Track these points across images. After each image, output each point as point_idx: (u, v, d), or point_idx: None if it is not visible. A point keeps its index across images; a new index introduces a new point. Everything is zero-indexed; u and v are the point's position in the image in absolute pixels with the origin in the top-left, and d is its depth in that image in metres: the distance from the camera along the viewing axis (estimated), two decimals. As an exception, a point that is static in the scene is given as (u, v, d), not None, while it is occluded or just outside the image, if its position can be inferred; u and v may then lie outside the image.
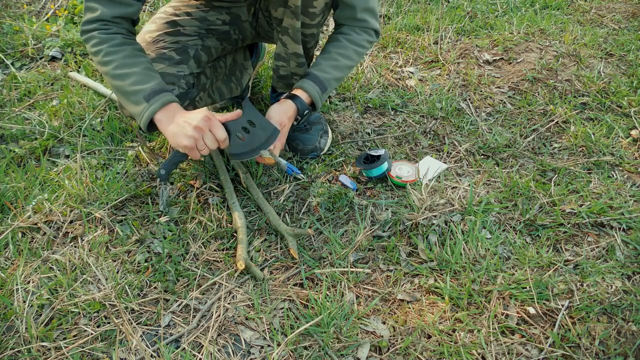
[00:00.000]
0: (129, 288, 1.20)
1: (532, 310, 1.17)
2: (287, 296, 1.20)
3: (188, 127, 1.24)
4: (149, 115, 1.27)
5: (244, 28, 1.60)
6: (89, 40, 1.31)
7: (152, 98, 1.27)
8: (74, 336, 1.10)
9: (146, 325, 1.14)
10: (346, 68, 1.48)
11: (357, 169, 1.57)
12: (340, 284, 1.23)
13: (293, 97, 1.43)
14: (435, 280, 1.24)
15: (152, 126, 1.32)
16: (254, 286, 1.23)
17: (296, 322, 1.14)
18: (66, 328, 1.12)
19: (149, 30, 1.49)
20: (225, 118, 1.32)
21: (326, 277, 1.25)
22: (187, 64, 1.47)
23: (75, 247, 1.30)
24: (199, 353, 1.08)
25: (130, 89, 1.28)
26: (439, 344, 1.10)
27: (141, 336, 1.11)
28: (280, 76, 1.55)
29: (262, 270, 1.27)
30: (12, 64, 2.12)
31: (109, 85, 1.36)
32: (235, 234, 1.35)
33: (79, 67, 2.10)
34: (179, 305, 1.18)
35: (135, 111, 1.29)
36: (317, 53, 1.57)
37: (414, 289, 1.23)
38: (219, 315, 1.16)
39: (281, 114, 1.39)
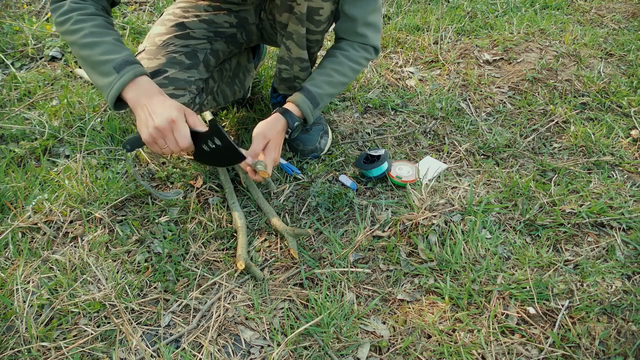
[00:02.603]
0: (129, 288, 1.21)
1: (532, 310, 1.17)
2: (287, 296, 1.20)
3: (150, 122, 1.16)
4: (118, 87, 1.17)
5: (250, 31, 1.60)
6: (59, 9, 1.22)
7: (123, 68, 1.18)
8: (74, 336, 1.10)
9: (146, 325, 1.14)
10: (340, 85, 1.46)
11: (357, 169, 1.57)
12: (340, 284, 1.23)
13: (284, 112, 1.41)
14: (435, 280, 1.24)
15: (120, 103, 1.22)
16: (254, 286, 1.23)
17: (296, 322, 1.14)
18: (66, 328, 1.12)
19: (158, 32, 1.46)
20: (194, 125, 1.21)
21: (326, 277, 1.25)
22: (197, 69, 1.45)
23: (75, 247, 1.30)
24: (199, 353, 1.08)
25: (100, 58, 1.18)
26: (439, 344, 1.10)
27: (141, 336, 1.11)
28: (282, 79, 1.55)
29: (262, 270, 1.27)
30: (12, 64, 2.12)
31: (75, 57, 1.25)
32: (235, 234, 1.35)
33: (79, 67, 2.10)
34: (179, 305, 1.18)
35: (103, 83, 1.19)
36: (320, 53, 1.56)
37: (414, 289, 1.23)
38: (219, 315, 1.16)
39: (269, 128, 1.37)
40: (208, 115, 1.74)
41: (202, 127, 1.21)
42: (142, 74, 1.20)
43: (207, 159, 1.32)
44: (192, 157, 1.54)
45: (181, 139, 1.17)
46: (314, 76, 1.46)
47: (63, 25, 1.21)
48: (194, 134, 1.21)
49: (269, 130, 1.36)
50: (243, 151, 1.27)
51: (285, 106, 1.43)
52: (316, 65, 1.57)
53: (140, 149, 1.36)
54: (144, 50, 1.43)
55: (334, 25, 1.49)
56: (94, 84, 1.22)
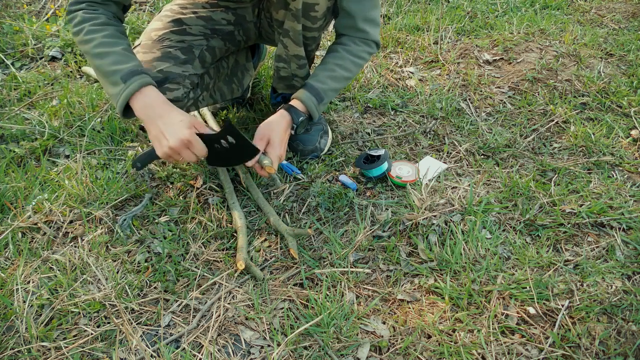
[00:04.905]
0: (129, 288, 1.20)
1: (532, 310, 1.17)
2: (287, 296, 1.20)
3: (164, 142, 1.22)
4: (125, 97, 1.23)
5: (248, 29, 1.60)
6: (73, 20, 1.28)
7: (129, 79, 1.23)
8: (74, 336, 1.10)
9: (146, 325, 1.14)
10: (343, 79, 1.48)
11: (357, 169, 1.57)
12: (340, 284, 1.23)
13: (289, 108, 1.44)
14: (435, 280, 1.24)
15: (128, 111, 1.28)
16: (254, 286, 1.23)
17: (296, 322, 1.14)
18: (66, 328, 1.12)
19: (154, 28, 1.48)
20: (205, 131, 1.28)
21: (326, 277, 1.25)
22: (192, 64, 1.46)
23: (75, 247, 1.30)
24: (199, 353, 1.08)
25: (109, 68, 1.24)
26: (439, 344, 1.10)
27: (141, 336, 1.11)
28: (280, 77, 1.55)
29: (262, 270, 1.27)
30: (12, 64, 2.12)
31: (91, 66, 1.34)
32: (235, 234, 1.35)
33: (79, 68, 2.10)
34: (179, 305, 1.18)
35: (113, 92, 1.25)
36: (318, 53, 1.57)
37: (414, 289, 1.23)
38: (219, 315, 1.16)
39: (274, 124, 1.39)
40: (209, 118, 1.74)
41: (212, 131, 1.27)
42: (148, 84, 1.25)
43: (221, 161, 1.36)
44: (199, 164, 1.55)
45: (197, 151, 1.26)
46: (317, 72, 1.47)
47: (78, 36, 1.28)
48: (207, 138, 1.27)
49: (275, 127, 1.39)
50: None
51: (291, 103, 1.46)
52: (316, 64, 1.57)
53: (150, 162, 1.41)
54: (139, 44, 1.44)
55: (333, 22, 1.49)
56: (106, 93, 1.29)
